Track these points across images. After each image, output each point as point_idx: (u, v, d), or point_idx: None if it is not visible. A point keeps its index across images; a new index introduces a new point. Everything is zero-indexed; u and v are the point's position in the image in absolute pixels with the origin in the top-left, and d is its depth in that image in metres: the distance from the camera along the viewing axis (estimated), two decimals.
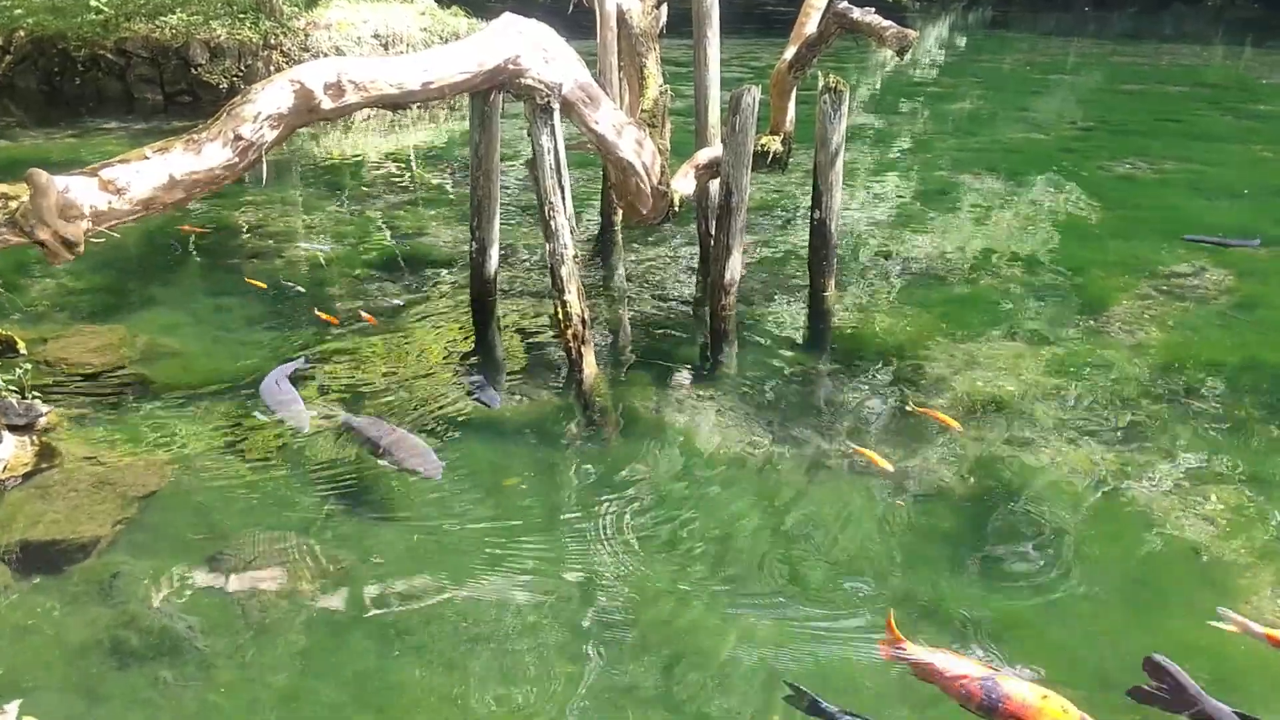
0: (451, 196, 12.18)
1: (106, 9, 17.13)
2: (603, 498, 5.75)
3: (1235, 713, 4.08)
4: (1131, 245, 10.23)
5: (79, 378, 7.02)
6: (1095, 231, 10.86)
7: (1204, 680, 4.21)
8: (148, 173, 5.41)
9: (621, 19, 8.47)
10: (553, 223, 6.87)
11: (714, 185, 8.62)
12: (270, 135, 5.83)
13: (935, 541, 5.37)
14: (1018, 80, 22.62)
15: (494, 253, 8.16)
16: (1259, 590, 4.99)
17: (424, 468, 5.80)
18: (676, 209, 8.36)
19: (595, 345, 7.29)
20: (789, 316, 8.56)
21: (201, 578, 5.00)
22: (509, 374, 7.43)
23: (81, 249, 5.16)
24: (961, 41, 30.79)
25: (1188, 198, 12.23)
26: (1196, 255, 9.80)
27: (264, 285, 7.74)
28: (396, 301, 8.67)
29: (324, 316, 8.05)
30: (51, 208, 4.91)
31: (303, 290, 7.41)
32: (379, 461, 5.90)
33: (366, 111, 15.94)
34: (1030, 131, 16.60)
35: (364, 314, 7.86)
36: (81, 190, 5.15)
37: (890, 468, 5.91)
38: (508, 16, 6.99)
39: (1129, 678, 4.38)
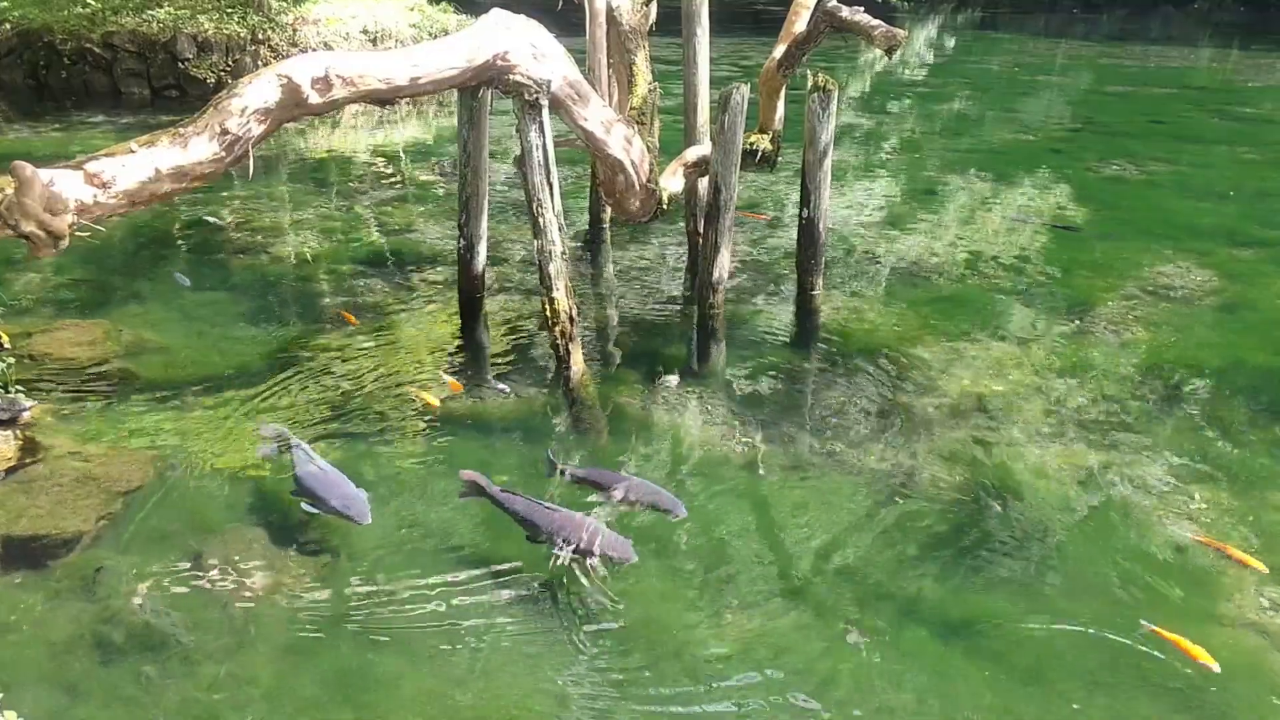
0: (440, 193, 12.15)
1: (93, 2, 17.04)
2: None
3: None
4: (1118, 246, 10.27)
5: (63, 372, 6.99)
6: (1082, 232, 10.89)
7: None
8: (134, 166, 5.39)
9: (611, 16, 8.46)
10: (541, 219, 6.86)
11: (703, 183, 8.63)
12: (257, 129, 5.81)
13: (919, 539, 5.38)
14: (1006, 81, 22.68)
15: (482, 249, 8.14)
16: (1242, 588, 5.02)
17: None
18: (665, 207, 8.36)
19: (583, 343, 7.28)
20: (777, 315, 8.56)
21: (185, 573, 4.98)
22: (496, 371, 7.41)
23: (66, 242, 5.13)
24: (950, 42, 30.86)
25: (1174, 199, 12.28)
26: (1182, 257, 9.85)
27: (356, 321, 7.42)
28: (383, 298, 8.65)
29: (347, 316, 7.84)
30: (36, 201, 4.89)
31: (506, 390, 6.92)
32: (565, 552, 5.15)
33: (355, 107, 15.94)
34: (1018, 132, 16.66)
35: (345, 314, 7.70)
36: (66, 184, 5.12)
37: None
38: (497, 12, 6.98)
39: (1114, 676, 4.41)
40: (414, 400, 6.78)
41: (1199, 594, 5.00)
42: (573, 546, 5.03)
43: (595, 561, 4.99)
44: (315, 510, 5.29)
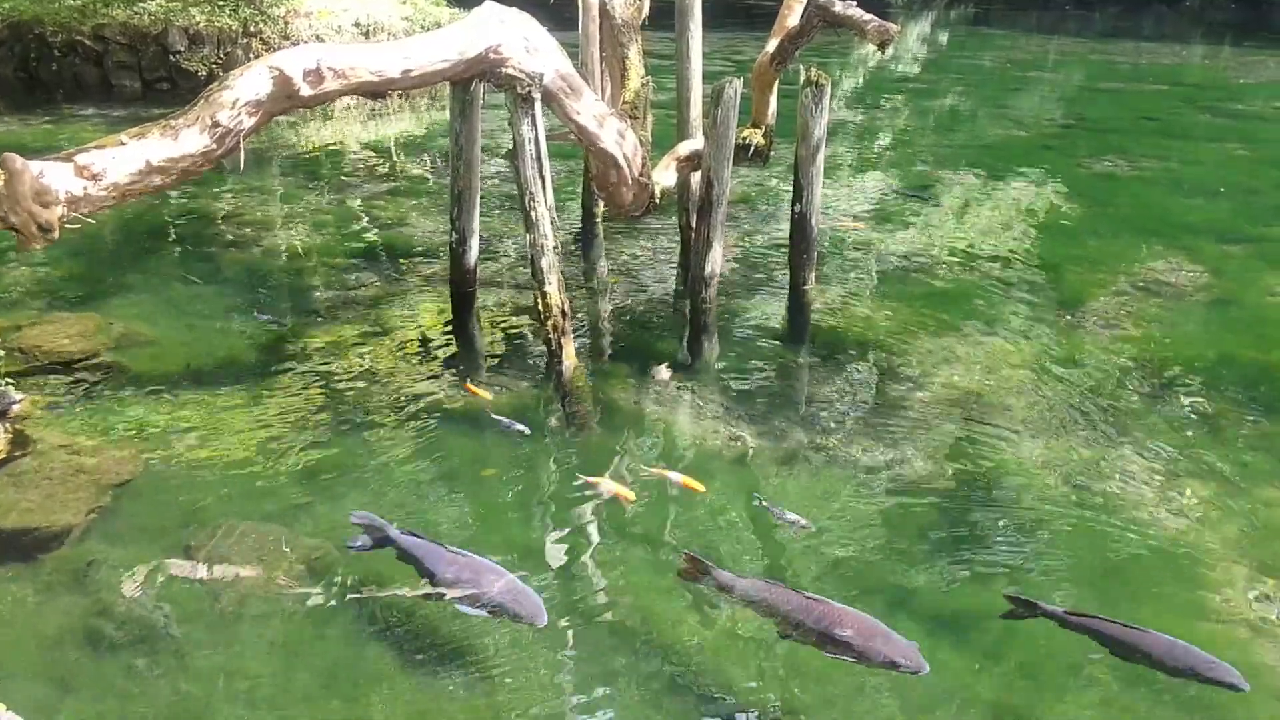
0: (432, 187, 12.13)
1: None
2: (581, 489, 5.74)
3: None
4: (1109, 242, 10.30)
5: (53, 365, 6.96)
6: (1073, 228, 10.92)
7: None
8: (124, 159, 5.37)
9: (604, 10, 8.44)
10: (533, 213, 6.85)
11: (695, 178, 8.63)
12: (248, 122, 5.79)
13: (910, 533, 5.39)
14: (998, 77, 22.71)
15: (474, 243, 8.14)
16: (1233, 583, 5.04)
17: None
18: (658, 201, 8.35)
19: (575, 337, 7.28)
20: (769, 310, 8.57)
21: (176, 566, 4.96)
22: (489, 365, 7.41)
23: (56, 235, 5.12)
24: (943, 38, 30.89)
25: (1165, 195, 12.31)
26: (1173, 253, 9.87)
27: (489, 396, 6.69)
28: (374, 291, 8.64)
29: (474, 391, 6.78)
30: (26, 192, 4.87)
31: (526, 430, 6.20)
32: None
33: (347, 100, 15.90)
34: (1010, 128, 16.68)
35: (470, 387, 6.78)
36: (57, 175, 5.11)
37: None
38: (490, 5, 6.96)
39: (1102, 672, 4.43)
40: (391, 388, 6.79)
41: (1188, 588, 5.02)
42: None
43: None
44: (473, 613, 4.43)
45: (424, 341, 7.73)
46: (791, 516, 5.34)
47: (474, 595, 4.43)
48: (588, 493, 5.66)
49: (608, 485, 5.64)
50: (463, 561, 4.61)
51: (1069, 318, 8.31)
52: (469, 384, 6.88)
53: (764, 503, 5.53)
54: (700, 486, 5.64)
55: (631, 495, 5.58)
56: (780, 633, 4.39)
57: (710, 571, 4.63)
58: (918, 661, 4.10)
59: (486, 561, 4.65)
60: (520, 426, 6.22)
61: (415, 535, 4.84)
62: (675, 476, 5.71)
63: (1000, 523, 5.54)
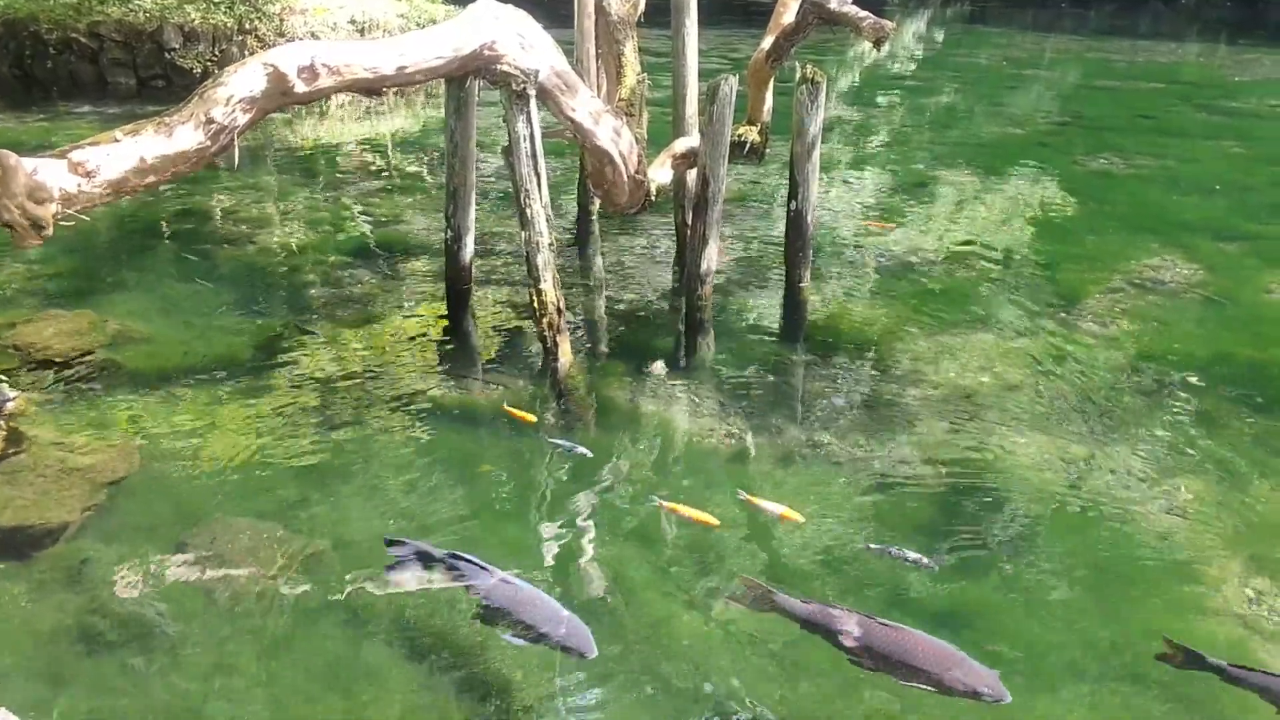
0: (427, 184, 12.12)
1: None
2: (577, 485, 5.74)
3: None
4: (1105, 240, 10.31)
5: (48, 362, 6.95)
6: (1069, 226, 10.93)
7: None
8: (118, 155, 5.36)
9: (600, 7, 8.43)
10: (529, 210, 6.84)
11: (691, 175, 8.62)
12: (242, 118, 5.79)
13: (905, 530, 5.39)
14: (994, 75, 22.71)
15: (469, 240, 8.13)
16: (1227, 579, 5.05)
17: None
18: (654, 199, 8.34)
19: (571, 334, 7.28)
20: (765, 307, 8.56)
21: (171, 564, 4.96)
22: (484, 362, 7.40)
23: (50, 231, 5.11)
24: (939, 35, 30.90)
25: (1161, 193, 12.32)
26: (1169, 250, 9.88)
27: (533, 419, 6.32)
28: (369, 289, 8.63)
29: (516, 414, 6.40)
30: (20, 189, 4.86)
31: (588, 453, 5.86)
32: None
33: (342, 98, 15.88)
34: (1006, 126, 16.69)
35: (510, 409, 6.40)
36: (51, 172, 5.10)
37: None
38: (484, 2, 6.94)
39: (1098, 666, 4.44)
40: (387, 386, 6.73)
41: (1184, 584, 5.02)
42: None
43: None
44: (521, 642, 4.26)
45: (419, 339, 7.72)
46: (914, 556, 4.95)
47: (520, 624, 4.25)
48: (754, 513, 5.42)
49: (772, 506, 5.33)
50: (508, 587, 4.39)
51: (1064, 315, 8.31)
52: (508, 406, 6.45)
53: (872, 545, 5.13)
54: (799, 517, 5.29)
55: (800, 516, 5.28)
56: (850, 660, 4.17)
57: (772, 596, 4.42)
58: (999, 690, 3.92)
59: (533, 588, 4.43)
60: (581, 450, 5.87)
61: (458, 557, 4.56)
62: (774, 508, 5.33)
63: (995, 519, 5.54)
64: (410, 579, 4.62)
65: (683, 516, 5.30)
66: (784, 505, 5.35)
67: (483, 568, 4.47)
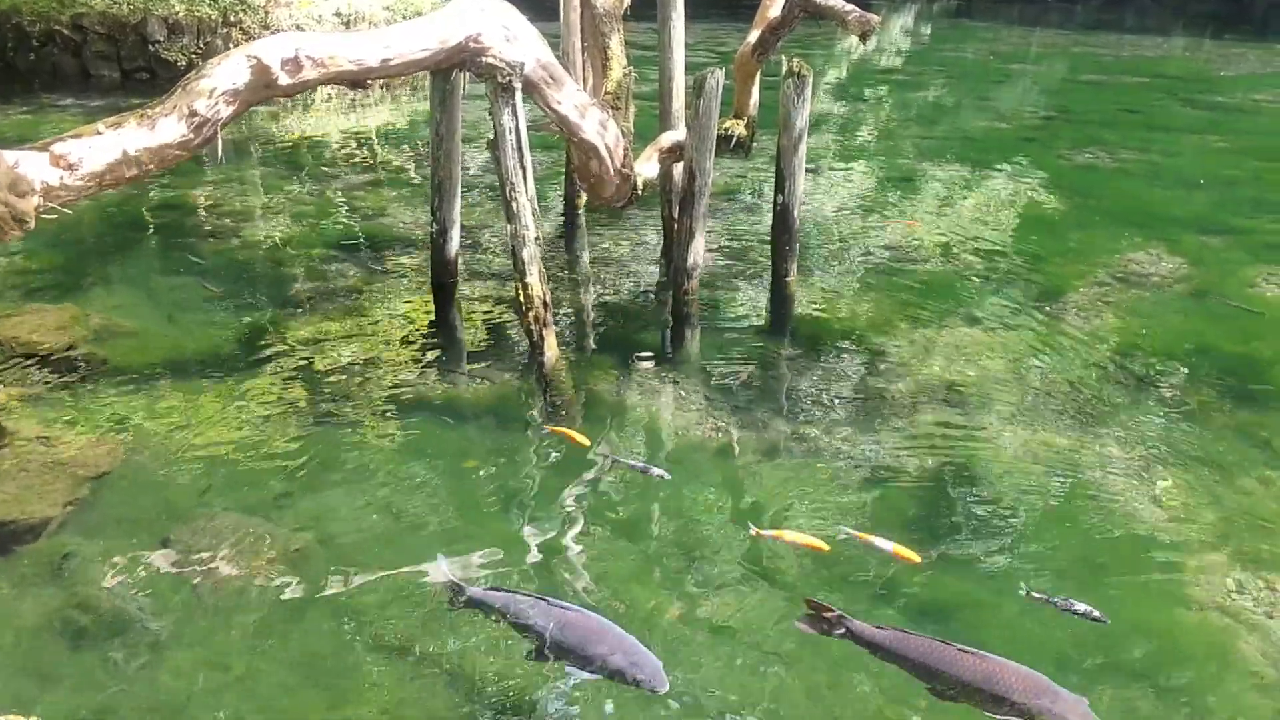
0: (413, 177, 12.08)
1: None
2: (563, 480, 5.73)
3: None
4: (1090, 234, 10.34)
5: (31, 356, 6.90)
6: (1054, 220, 10.96)
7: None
8: (101, 148, 5.33)
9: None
10: (514, 204, 6.83)
11: (678, 169, 8.61)
12: (226, 111, 5.76)
13: (891, 522, 5.39)
14: (981, 69, 22.76)
15: (455, 234, 8.12)
16: (1211, 571, 5.07)
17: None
18: (640, 192, 8.33)
19: (557, 328, 7.27)
20: (751, 301, 8.57)
21: (154, 559, 4.94)
22: (470, 356, 7.38)
23: (32, 225, 5.08)
24: (926, 30, 30.94)
25: (1146, 187, 12.36)
26: (1153, 244, 9.92)
27: (586, 441, 5.94)
28: (354, 282, 8.60)
29: (567, 434, 6.07)
30: (1, 182, 4.82)
31: (666, 475, 5.57)
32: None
33: (327, 91, 15.83)
34: (992, 120, 16.72)
35: (554, 429, 6.13)
36: (32, 165, 5.07)
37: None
38: None
39: (1083, 658, 4.45)
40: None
41: (1168, 577, 5.05)
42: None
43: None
44: (586, 676, 4.08)
45: (404, 332, 7.70)
46: (1082, 608, 4.54)
47: (588, 658, 4.05)
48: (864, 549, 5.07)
49: (885, 543, 4.99)
50: (573, 617, 4.18)
51: (1049, 309, 8.34)
52: (554, 427, 6.16)
53: (1032, 593, 4.69)
54: (916, 558, 4.91)
55: (916, 557, 4.92)
56: (930, 689, 3.99)
57: (842, 621, 4.22)
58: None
59: (600, 618, 4.23)
60: (659, 471, 5.57)
61: (508, 591, 4.43)
62: (886, 545, 4.98)
63: (980, 512, 5.56)
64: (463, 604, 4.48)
65: (788, 543, 4.97)
66: (893, 542, 4.97)
67: (544, 600, 4.28)
